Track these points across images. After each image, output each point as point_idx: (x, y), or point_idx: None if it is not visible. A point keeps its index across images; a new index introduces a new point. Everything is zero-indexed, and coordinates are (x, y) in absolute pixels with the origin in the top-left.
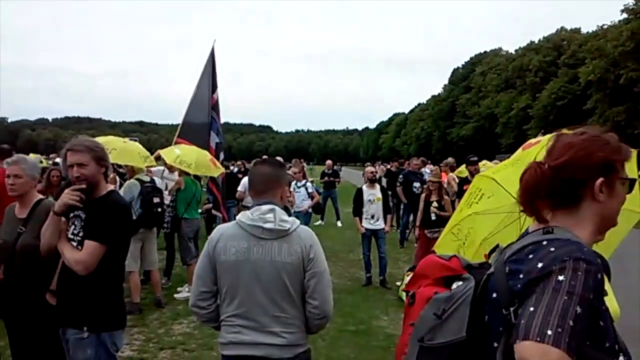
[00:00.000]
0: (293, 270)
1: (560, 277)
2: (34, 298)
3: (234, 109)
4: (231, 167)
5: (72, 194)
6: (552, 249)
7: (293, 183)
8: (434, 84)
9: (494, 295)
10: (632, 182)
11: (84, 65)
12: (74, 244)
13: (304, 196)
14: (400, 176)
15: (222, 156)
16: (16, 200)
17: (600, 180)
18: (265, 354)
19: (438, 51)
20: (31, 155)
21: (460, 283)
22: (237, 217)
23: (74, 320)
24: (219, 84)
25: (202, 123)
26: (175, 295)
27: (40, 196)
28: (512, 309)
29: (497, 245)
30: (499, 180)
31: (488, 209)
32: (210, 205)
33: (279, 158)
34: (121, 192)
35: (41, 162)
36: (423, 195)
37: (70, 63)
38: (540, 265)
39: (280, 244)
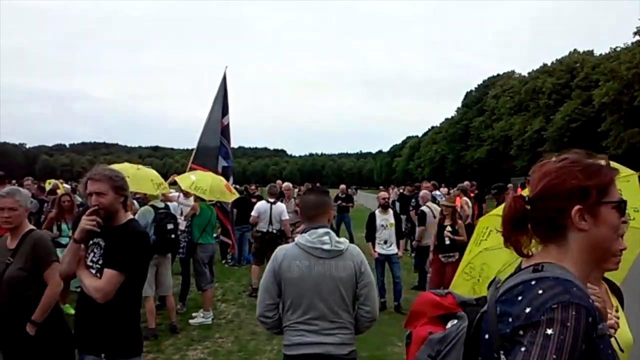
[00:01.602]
0: (348, 283)
1: (549, 331)
2: (16, 329)
3: (248, 133)
4: (251, 191)
5: (89, 220)
6: (540, 292)
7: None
8: (447, 107)
9: (486, 336)
10: (622, 204)
11: (101, 91)
12: (93, 271)
13: None
14: (413, 200)
15: (231, 180)
16: None
17: (576, 208)
18: (324, 351)
19: (451, 74)
20: (49, 181)
21: (455, 322)
22: (296, 240)
23: (91, 347)
24: (232, 108)
25: (213, 147)
26: (191, 321)
27: (31, 227)
28: (502, 352)
29: (495, 279)
30: None
31: (498, 244)
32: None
33: (284, 183)
34: (137, 217)
35: (59, 187)
36: (436, 219)
37: (87, 89)
38: (527, 310)
39: (337, 262)
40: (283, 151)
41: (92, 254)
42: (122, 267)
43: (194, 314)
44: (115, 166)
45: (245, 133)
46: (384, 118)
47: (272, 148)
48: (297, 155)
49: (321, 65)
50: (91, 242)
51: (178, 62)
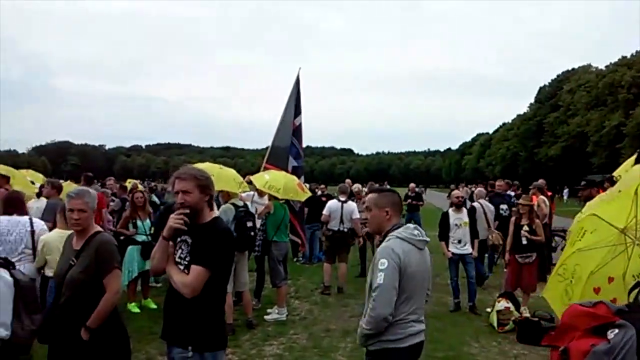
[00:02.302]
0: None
1: None
2: (72, 332)
3: (315, 132)
4: (317, 191)
5: (176, 218)
6: None
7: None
8: (519, 103)
9: None
10: None
11: (174, 93)
12: (181, 267)
13: None
14: (486, 198)
15: (302, 180)
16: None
17: None
18: (423, 339)
19: (522, 69)
20: (129, 180)
21: (616, 331)
22: (399, 235)
23: (179, 340)
24: (303, 109)
25: (284, 147)
26: (266, 317)
27: (98, 228)
28: None
29: (638, 283)
30: (600, 215)
31: (591, 244)
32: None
33: (354, 184)
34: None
35: (137, 187)
36: (513, 219)
37: (161, 92)
38: None
39: (426, 251)
40: (350, 150)
41: (180, 251)
42: (208, 263)
43: (268, 310)
44: (199, 165)
45: (312, 133)
46: (452, 115)
47: (339, 147)
48: (363, 154)
49: (388, 64)
50: (179, 239)
51: (248, 64)
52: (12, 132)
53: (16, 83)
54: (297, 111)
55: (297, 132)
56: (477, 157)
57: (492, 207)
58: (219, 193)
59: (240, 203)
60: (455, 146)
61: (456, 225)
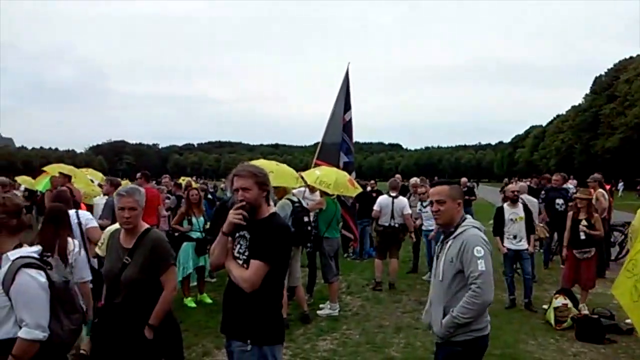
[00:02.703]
0: None
1: None
2: (132, 331)
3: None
4: (367, 187)
5: (235, 214)
6: None
7: (419, 203)
8: (574, 94)
9: None
10: None
11: (224, 93)
12: (240, 262)
13: (432, 216)
14: (542, 192)
15: (353, 175)
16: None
17: None
18: None
19: (576, 59)
20: (183, 178)
21: None
22: (477, 225)
23: (238, 333)
24: (352, 104)
25: (335, 143)
26: (318, 312)
27: (147, 225)
28: None
29: None
30: None
31: None
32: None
33: (411, 179)
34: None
35: (191, 184)
36: (570, 213)
37: (212, 92)
38: None
39: None
40: (398, 145)
41: (238, 246)
42: (267, 258)
43: (321, 306)
44: (257, 162)
45: (359, 128)
46: (504, 108)
47: (387, 142)
48: (412, 149)
49: (437, 56)
50: (237, 234)
51: (296, 61)
52: (70, 133)
53: (73, 86)
54: (347, 106)
55: (347, 127)
56: (531, 151)
57: (535, 201)
58: (274, 189)
59: (295, 199)
60: (507, 139)
61: (511, 220)
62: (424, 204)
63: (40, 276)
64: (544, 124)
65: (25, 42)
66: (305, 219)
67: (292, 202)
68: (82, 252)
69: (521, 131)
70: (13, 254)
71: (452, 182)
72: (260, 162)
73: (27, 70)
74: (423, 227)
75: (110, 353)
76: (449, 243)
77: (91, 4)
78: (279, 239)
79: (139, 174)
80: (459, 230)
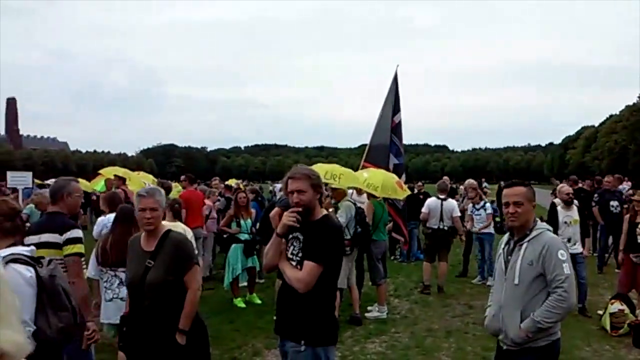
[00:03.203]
0: None
1: None
2: (160, 335)
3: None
4: (414, 189)
5: (290, 216)
6: None
7: (470, 206)
8: (628, 94)
9: None
10: None
11: (270, 96)
12: (293, 263)
13: (484, 219)
14: (596, 195)
15: (403, 177)
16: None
17: None
18: None
19: (631, 57)
20: (231, 180)
21: None
22: (550, 229)
23: (292, 334)
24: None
25: (383, 145)
26: (366, 314)
27: (168, 227)
28: None
29: None
30: None
31: None
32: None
33: (466, 180)
34: (340, 212)
35: (239, 186)
36: (627, 216)
37: (257, 96)
38: None
39: None
40: (445, 147)
41: (291, 247)
42: (321, 259)
43: (369, 308)
44: (326, 167)
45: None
46: (554, 108)
47: (433, 144)
48: (459, 150)
49: (484, 58)
50: (290, 236)
51: (339, 64)
52: (122, 136)
53: (125, 91)
54: (397, 109)
55: (396, 129)
56: (582, 152)
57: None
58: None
59: (354, 200)
60: (557, 140)
61: (565, 223)
62: (477, 206)
63: (27, 271)
64: (596, 125)
65: (80, 49)
66: (368, 220)
67: (354, 204)
68: None
69: (572, 132)
70: (4, 252)
71: (526, 183)
72: (329, 167)
73: (81, 77)
74: (474, 230)
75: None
76: (524, 246)
77: (144, 12)
78: (332, 240)
79: (183, 177)
80: (534, 233)
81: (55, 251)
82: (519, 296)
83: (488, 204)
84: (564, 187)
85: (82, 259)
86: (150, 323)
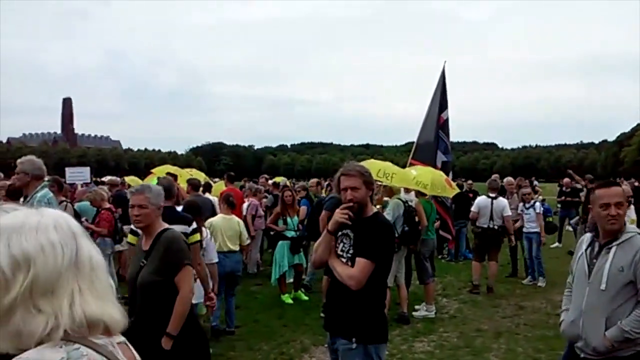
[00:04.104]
0: None
1: None
2: (150, 340)
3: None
4: (464, 187)
5: (342, 213)
6: None
7: (520, 204)
8: None
9: None
10: None
11: (316, 94)
12: (344, 260)
13: (534, 218)
14: None
15: (450, 175)
16: None
17: None
18: None
19: None
20: (276, 178)
21: None
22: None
23: (344, 331)
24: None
25: (429, 142)
26: (414, 313)
27: (166, 226)
28: None
29: None
30: None
31: None
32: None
33: (505, 178)
34: (388, 210)
35: (286, 185)
36: None
37: (304, 94)
38: None
39: None
40: (494, 144)
41: (341, 244)
42: (373, 256)
43: (416, 307)
44: (379, 164)
45: (452, 127)
46: (608, 104)
47: (481, 142)
48: (508, 148)
49: (533, 53)
50: (340, 233)
51: (384, 60)
52: (172, 134)
53: (175, 90)
54: (444, 105)
55: (444, 126)
56: (638, 149)
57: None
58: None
59: (404, 199)
60: (612, 137)
61: None
62: (527, 205)
63: None
64: None
65: (132, 50)
66: (417, 218)
67: (403, 202)
68: (211, 238)
69: (628, 129)
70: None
71: (615, 182)
72: (383, 165)
73: (133, 76)
74: (524, 230)
75: None
76: (613, 250)
77: (190, 13)
78: (384, 237)
79: (225, 175)
80: (625, 236)
81: None
82: (605, 303)
83: (538, 204)
84: (623, 187)
85: None
86: (139, 324)
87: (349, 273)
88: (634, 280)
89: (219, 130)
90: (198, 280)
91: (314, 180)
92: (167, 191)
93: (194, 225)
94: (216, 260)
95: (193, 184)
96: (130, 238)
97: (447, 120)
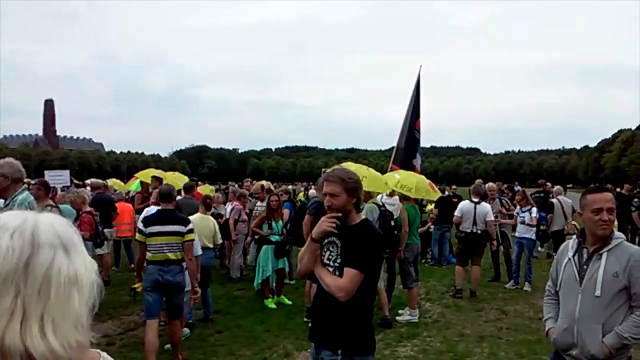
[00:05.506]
0: None
1: None
2: None
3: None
4: (447, 192)
5: (329, 221)
6: None
7: (518, 208)
8: None
9: None
10: None
11: (300, 98)
12: (330, 269)
13: (528, 222)
14: (635, 200)
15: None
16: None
17: None
18: None
19: None
20: (262, 182)
21: None
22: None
23: (329, 342)
24: (424, 107)
25: (408, 146)
26: (397, 318)
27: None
28: None
29: None
30: None
31: None
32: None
33: (487, 184)
34: (362, 214)
35: (271, 189)
36: (566, 211)
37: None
38: None
39: None
40: (477, 149)
41: (327, 252)
42: (362, 266)
43: (400, 311)
44: (352, 167)
45: (436, 132)
46: (589, 111)
47: (464, 146)
48: (491, 153)
49: (516, 59)
50: (326, 240)
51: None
52: (155, 137)
53: (158, 93)
54: (418, 111)
55: (418, 130)
56: (619, 155)
57: (569, 202)
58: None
59: (380, 203)
60: (593, 143)
61: None
62: (523, 209)
63: None
64: (633, 128)
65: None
66: (392, 223)
67: (378, 206)
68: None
69: (608, 135)
70: None
71: (606, 188)
72: (354, 167)
73: (118, 80)
74: (516, 234)
75: None
76: (605, 256)
77: (179, 15)
78: (372, 246)
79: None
80: (614, 242)
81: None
82: (600, 309)
83: (535, 209)
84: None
85: None
86: None
87: (337, 284)
88: (628, 285)
89: (203, 133)
90: (187, 272)
91: (257, 185)
92: (167, 196)
93: (190, 225)
94: (200, 253)
95: (185, 188)
96: (139, 236)
97: (417, 124)
